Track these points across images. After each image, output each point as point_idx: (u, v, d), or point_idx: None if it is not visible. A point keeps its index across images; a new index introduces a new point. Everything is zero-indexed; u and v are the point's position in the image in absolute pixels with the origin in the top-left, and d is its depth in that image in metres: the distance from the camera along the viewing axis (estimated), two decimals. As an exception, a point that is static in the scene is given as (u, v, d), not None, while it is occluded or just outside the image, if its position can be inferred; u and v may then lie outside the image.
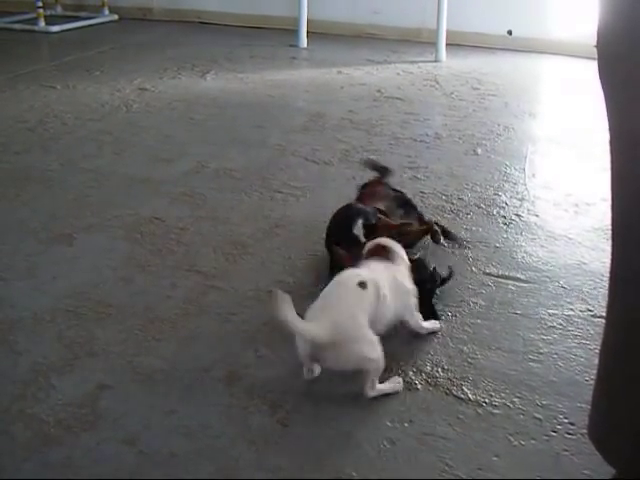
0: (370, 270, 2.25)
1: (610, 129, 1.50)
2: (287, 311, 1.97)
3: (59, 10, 7.77)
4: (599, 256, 2.92)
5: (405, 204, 3.02)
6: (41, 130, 4.37)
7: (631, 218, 1.48)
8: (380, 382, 2.14)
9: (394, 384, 2.18)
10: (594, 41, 1.45)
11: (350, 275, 2.21)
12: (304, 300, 2.60)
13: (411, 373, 2.24)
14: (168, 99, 4.99)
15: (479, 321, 2.51)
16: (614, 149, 1.51)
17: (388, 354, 2.27)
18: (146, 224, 3.17)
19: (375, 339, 2.11)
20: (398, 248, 2.40)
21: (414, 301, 2.34)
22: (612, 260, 1.57)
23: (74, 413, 2.04)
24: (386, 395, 2.14)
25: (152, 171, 3.75)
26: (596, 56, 1.46)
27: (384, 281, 2.22)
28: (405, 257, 2.39)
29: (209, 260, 2.89)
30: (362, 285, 2.14)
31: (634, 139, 1.43)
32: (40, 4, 7.07)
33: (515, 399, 2.13)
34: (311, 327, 2.03)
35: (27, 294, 2.65)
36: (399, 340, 2.39)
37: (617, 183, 1.51)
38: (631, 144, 1.45)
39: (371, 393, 2.12)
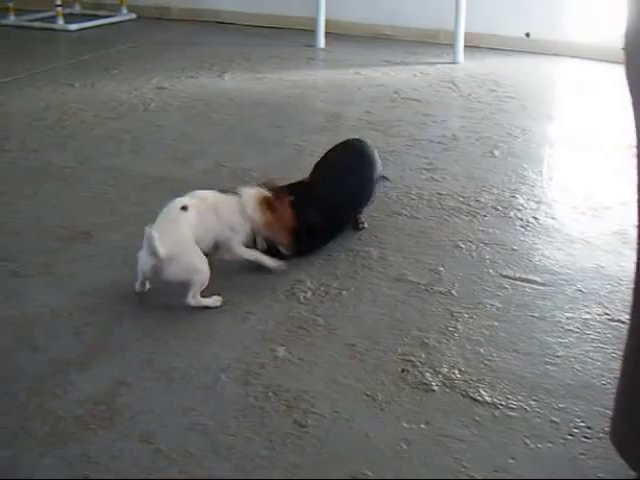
0: (196, 198, 2.66)
1: (637, 132, 1.49)
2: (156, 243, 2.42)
3: (77, 8, 7.78)
4: (617, 260, 2.91)
5: None
6: (59, 128, 4.38)
7: None
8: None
9: (214, 299, 2.57)
10: (621, 44, 1.44)
11: (175, 201, 2.62)
12: (321, 300, 2.62)
13: (428, 374, 2.24)
14: (186, 98, 4.99)
15: (496, 323, 2.51)
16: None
17: (405, 355, 2.28)
18: (163, 222, 3.17)
19: (200, 252, 2.53)
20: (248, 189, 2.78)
21: (235, 235, 2.70)
22: (638, 262, 1.56)
23: (91, 410, 2.05)
24: (206, 307, 2.53)
25: (170, 170, 3.76)
26: (620, 58, 1.45)
27: (206, 206, 2.64)
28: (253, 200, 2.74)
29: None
30: (184, 208, 2.57)
31: None
32: (59, 2, 7.09)
33: (532, 402, 2.12)
34: (158, 244, 2.43)
35: (45, 291, 2.66)
36: (415, 342, 2.40)
37: None
38: None
39: (192, 302, 2.53)
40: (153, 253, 2.45)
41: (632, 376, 1.59)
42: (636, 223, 1.60)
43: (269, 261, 2.79)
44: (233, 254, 2.74)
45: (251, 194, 2.76)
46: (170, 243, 2.47)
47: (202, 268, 2.53)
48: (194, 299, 2.53)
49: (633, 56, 1.43)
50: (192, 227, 2.56)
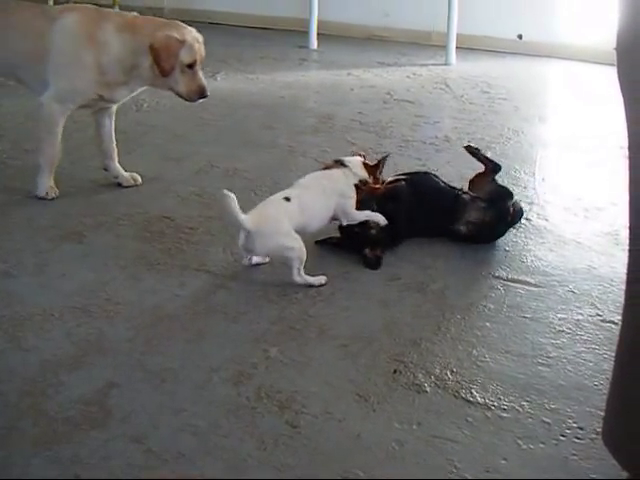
0: (299, 188, 2.88)
1: (629, 133, 1.49)
2: (233, 207, 2.57)
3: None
4: (609, 261, 2.92)
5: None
6: (51, 128, 4.36)
7: None
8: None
9: (319, 278, 2.72)
10: (612, 44, 1.44)
11: (278, 194, 2.84)
12: (312, 301, 2.61)
13: (420, 375, 2.24)
14: (178, 99, 4.97)
15: (488, 324, 2.51)
16: (633, 153, 1.50)
17: (397, 356, 2.29)
18: (156, 223, 3.17)
19: (293, 233, 2.69)
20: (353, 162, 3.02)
21: (347, 200, 2.92)
22: (629, 263, 1.56)
23: (83, 410, 2.05)
24: (310, 286, 2.68)
25: (162, 170, 3.75)
26: (612, 59, 1.46)
27: (311, 193, 2.86)
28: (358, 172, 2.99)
29: (218, 259, 2.89)
30: (286, 199, 2.77)
31: None
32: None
33: (524, 403, 2.12)
34: (244, 217, 2.61)
35: (36, 291, 2.65)
36: (408, 342, 2.40)
37: (636, 187, 1.51)
38: None
39: (298, 279, 2.68)
40: (232, 219, 2.63)
41: (624, 377, 1.59)
42: (627, 224, 1.60)
43: (379, 218, 2.93)
44: (350, 217, 2.93)
45: (356, 160, 3.03)
46: (260, 218, 2.67)
47: (294, 245, 2.68)
48: (299, 276, 2.69)
49: (624, 57, 1.43)
50: (293, 214, 2.75)
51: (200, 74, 3.28)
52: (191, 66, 3.22)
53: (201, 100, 3.34)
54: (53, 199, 3.38)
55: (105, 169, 3.59)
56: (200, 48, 3.27)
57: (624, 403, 1.61)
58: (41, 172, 3.40)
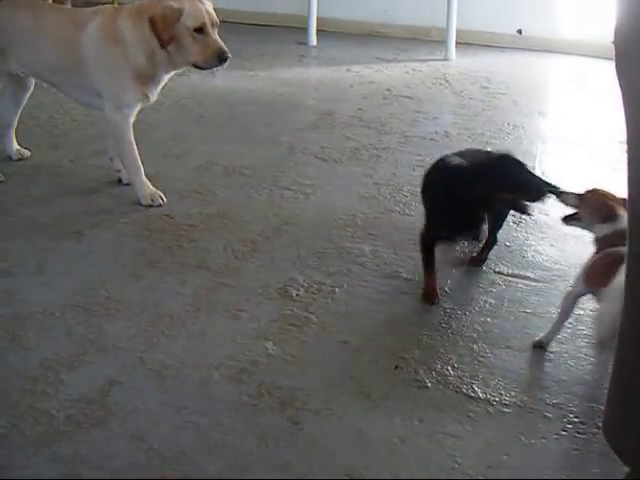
0: None
1: (628, 127, 1.48)
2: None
3: (68, 5, 7.76)
4: (609, 255, 2.91)
5: None
6: (50, 127, 4.37)
7: None
8: None
9: None
10: (611, 39, 1.44)
11: None
12: (313, 297, 2.61)
13: (421, 371, 2.23)
14: (177, 96, 4.98)
15: (489, 319, 2.51)
16: (632, 148, 1.49)
17: (398, 352, 2.28)
18: (156, 221, 3.17)
19: None
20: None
21: None
22: (629, 257, 1.56)
23: (83, 409, 2.05)
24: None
25: (161, 168, 3.75)
26: (612, 54, 1.45)
27: None
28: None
29: (218, 257, 2.89)
30: None
31: None
32: (69, 5, 7.07)
33: (525, 398, 2.12)
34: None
35: (37, 290, 2.65)
36: (409, 338, 2.39)
37: (635, 183, 1.50)
38: None
39: None
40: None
41: (624, 370, 1.59)
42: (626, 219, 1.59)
43: None
44: None
45: None
46: None
47: None
48: None
49: (623, 51, 1.43)
50: None
51: (215, 36, 3.16)
52: (201, 30, 3.13)
53: (224, 65, 3.19)
54: (160, 205, 3.32)
55: (111, 159, 3.60)
56: (208, 10, 3.17)
57: (624, 397, 1.60)
58: (135, 183, 3.36)
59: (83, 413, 2.03)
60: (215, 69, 3.23)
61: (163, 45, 3.12)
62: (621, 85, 1.47)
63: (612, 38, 1.44)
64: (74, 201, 3.38)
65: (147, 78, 3.25)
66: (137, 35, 3.17)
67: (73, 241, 3.00)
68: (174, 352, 2.31)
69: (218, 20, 3.20)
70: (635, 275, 1.56)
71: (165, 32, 3.10)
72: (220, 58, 3.16)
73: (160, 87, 3.36)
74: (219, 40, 3.17)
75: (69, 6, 6.31)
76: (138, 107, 3.34)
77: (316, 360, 2.29)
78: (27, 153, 3.85)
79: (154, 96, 3.36)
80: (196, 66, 3.21)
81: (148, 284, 2.69)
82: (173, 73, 3.34)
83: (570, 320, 2.48)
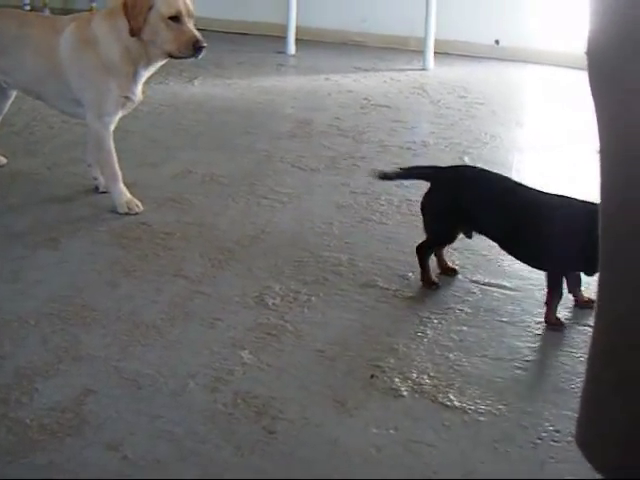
0: None
1: (600, 138, 1.50)
2: None
3: (47, 14, 7.74)
4: (585, 264, 2.92)
5: None
6: (27, 134, 4.35)
7: (618, 226, 1.48)
8: None
9: None
10: (584, 49, 1.45)
11: None
12: (289, 306, 2.61)
13: (397, 380, 2.23)
14: (155, 104, 4.97)
15: (465, 328, 2.51)
16: (604, 158, 1.50)
17: (374, 361, 2.28)
18: (132, 229, 3.16)
19: None
20: None
21: None
22: (600, 265, 1.56)
23: (58, 418, 2.03)
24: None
25: (138, 176, 3.73)
26: (585, 65, 1.46)
27: None
28: None
29: (195, 265, 2.88)
30: None
31: (626, 148, 1.43)
32: (28, 8, 7.05)
33: (501, 406, 2.13)
34: None
35: (12, 298, 2.63)
36: (385, 347, 2.39)
37: (606, 193, 1.51)
38: (622, 153, 1.45)
39: None
40: None
41: (596, 378, 1.60)
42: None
43: None
44: None
45: None
46: None
47: None
48: None
49: (594, 61, 1.44)
50: None
51: (190, 26, 3.14)
52: (176, 19, 3.11)
53: (199, 55, 3.15)
54: (137, 214, 3.31)
55: (89, 166, 3.58)
56: (185, 0, 3.16)
57: (595, 405, 1.61)
58: (113, 191, 3.35)
59: (57, 422, 2.02)
60: (191, 58, 3.20)
61: (134, 32, 3.10)
62: (593, 95, 1.48)
63: (585, 48, 1.45)
64: (50, 209, 3.36)
65: (124, 77, 3.23)
66: (109, 32, 3.18)
67: (49, 249, 2.99)
68: (150, 361, 2.30)
69: (194, 12, 3.21)
70: (604, 284, 1.57)
71: (136, 20, 3.08)
72: (195, 47, 3.12)
73: (140, 86, 3.34)
74: (194, 29, 3.16)
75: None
76: (119, 114, 3.33)
77: (292, 369, 2.28)
78: (3, 160, 3.83)
79: (136, 96, 3.33)
80: (171, 55, 3.18)
81: (124, 292, 2.68)
82: (152, 69, 3.32)
83: (546, 329, 2.50)
